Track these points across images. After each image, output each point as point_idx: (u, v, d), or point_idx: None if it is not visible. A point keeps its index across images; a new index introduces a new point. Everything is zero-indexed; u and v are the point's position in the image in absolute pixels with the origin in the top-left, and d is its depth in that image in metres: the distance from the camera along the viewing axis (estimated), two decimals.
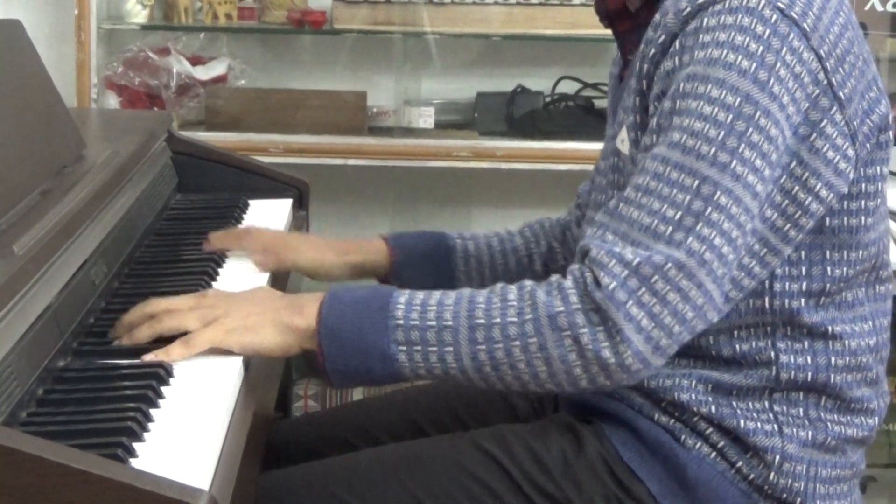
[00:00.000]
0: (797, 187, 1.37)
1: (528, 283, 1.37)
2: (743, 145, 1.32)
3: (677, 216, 1.32)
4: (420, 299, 1.38)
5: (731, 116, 1.33)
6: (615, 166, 1.51)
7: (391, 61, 3.08)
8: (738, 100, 1.33)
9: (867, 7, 2.99)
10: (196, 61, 2.97)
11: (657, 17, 1.44)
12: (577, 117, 3.01)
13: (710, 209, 1.32)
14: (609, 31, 1.58)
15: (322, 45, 3.11)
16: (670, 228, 1.32)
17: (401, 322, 1.36)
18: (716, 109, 1.33)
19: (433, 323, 1.35)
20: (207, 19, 2.97)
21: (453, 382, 1.40)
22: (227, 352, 1.41)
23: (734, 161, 1.32)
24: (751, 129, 1.33)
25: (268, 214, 1.99)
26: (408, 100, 3.07)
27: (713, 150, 1.32)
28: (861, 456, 1.52)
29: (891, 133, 1.45)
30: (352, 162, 2.87)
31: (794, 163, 1.37)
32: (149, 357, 1.38)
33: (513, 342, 1.33)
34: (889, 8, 3.00)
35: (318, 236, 1.84)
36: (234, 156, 2.19)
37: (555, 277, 1.36)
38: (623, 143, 1.47)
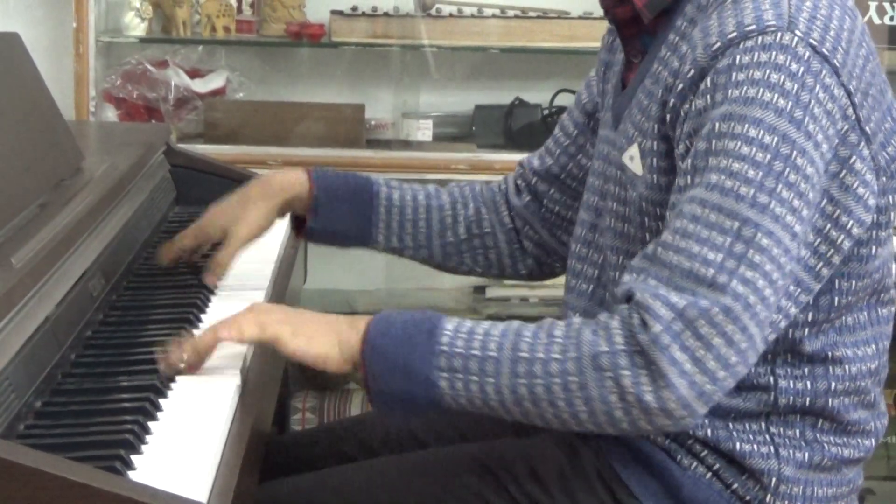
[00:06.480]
0: (829, 225, 1.35)
1: (577, 320, 1.33)
2: (781, 185, 1.29)
3: (719, 259, 1.28)
4: (468, 327, 1.35)
5: (769, 157, 1.29)
6: (618, 179, 1.48)
7: (389, 74, 3.09)
8: (776, 139, 1.29)
9: (864, 20, 3.00)
10: (194, 74, 2.97)
11: (683, 47, 1.39)
12: None
13: (751, 251, 1.28)
14: None
15: (320, 58, 3.11)
16: (712, 272, 1.28)
17: (445, 348, 1.33)
18: (754, 150, 1.29)
19: (477, 352, 1.32)
20: (206, 32, 2.97)
21: (492, 415, 1.35)
22: (225, 364, 1.41)
23: (773, 202, 1.29)
24: (788, 170, 1.29)
25: None
26: (406, 113, 3.07)
27: (752, 191, 1.29)
28: (858, 472, 1.51)
29: None
30: None
31: (824, 201, 1.34)
32: (197, 332, 1.42)
33: (553, 379, 1.30)
34: (886, 21, 3.01)
35: (243, 192, 1.73)
36: (232, 169, 2.19)
37: (603, 317, 1.32)
38: (632, 160, 1.44)
